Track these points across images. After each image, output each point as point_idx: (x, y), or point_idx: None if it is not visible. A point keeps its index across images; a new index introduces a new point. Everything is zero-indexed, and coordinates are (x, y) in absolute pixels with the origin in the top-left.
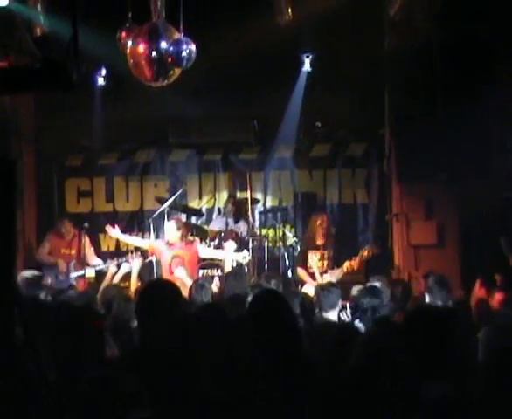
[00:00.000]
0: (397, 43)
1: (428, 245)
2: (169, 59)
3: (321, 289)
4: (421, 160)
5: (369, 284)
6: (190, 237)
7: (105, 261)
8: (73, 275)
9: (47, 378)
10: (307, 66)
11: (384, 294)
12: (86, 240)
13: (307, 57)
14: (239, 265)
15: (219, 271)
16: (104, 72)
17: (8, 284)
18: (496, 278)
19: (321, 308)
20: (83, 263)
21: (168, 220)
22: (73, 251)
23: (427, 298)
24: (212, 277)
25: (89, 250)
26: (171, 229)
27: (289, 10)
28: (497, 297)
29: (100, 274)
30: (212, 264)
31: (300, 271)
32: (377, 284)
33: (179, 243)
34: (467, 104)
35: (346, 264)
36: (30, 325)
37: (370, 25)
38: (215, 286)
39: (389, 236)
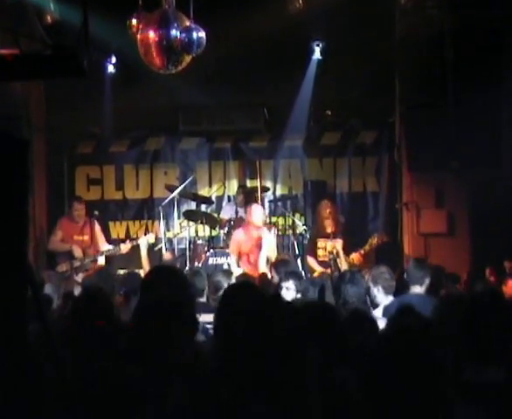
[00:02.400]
0: (407, 30)
1: (438, 234)
2: (180, 46)
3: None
4: (432, 148)
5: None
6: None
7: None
8: (88, 260)
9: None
10: (317, 54)
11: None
12: (97, 227)
13: (318, 45)
14: None
15: (229, 258)
16: (114, 59)
17: (21, 267)
18: (506, 265)
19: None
20: (96, 248)
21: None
22: (86, 237)
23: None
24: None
25: (100, 237)
26: (259, 212)
27: None
28: (510, 284)
29: (111, 257)
30: (223, 252)
31: (310, 260)
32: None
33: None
34: (478, 92)
35: (352, 257)
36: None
37: (380, 13)
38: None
39: (399, 224)
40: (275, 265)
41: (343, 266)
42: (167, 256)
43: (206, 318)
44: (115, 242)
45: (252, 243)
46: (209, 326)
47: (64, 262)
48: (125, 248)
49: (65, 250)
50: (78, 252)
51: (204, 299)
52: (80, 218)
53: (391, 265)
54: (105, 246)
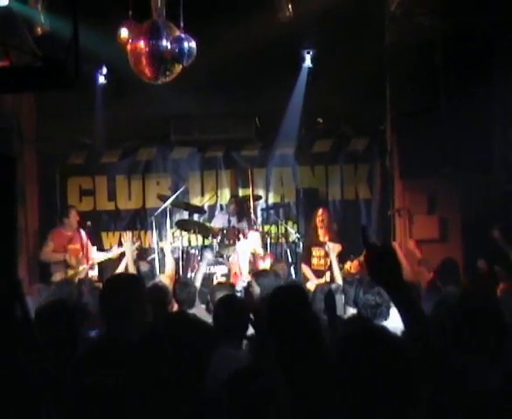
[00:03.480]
0: (397, 38)
1: (431, 240)
2: (170, 57)
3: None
4: (423, 155)
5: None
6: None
7: None
8: (81, 268)
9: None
10: (308, 62)
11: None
12: (85, 237)
13: (308, 53)
14: None
15: (223, 267)
16: (105, 70)
17: (9, 278)
18: (496, 270)
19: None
20: (87, 257)
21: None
22: (78, 246)
23: None
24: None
25: (89, 246)
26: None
27: (290, 6)
28: (502, 287)
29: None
30: (217, 261)
31: (304, 268)
32: None
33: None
34: (469, 98)
35: (346, 266)
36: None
37: (370, 20)
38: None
39: (391, 231)
40: (256, 275)
41: (336, 275)
42: (143, 265)
43: None
44: (108, 252)
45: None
46: None
47: (58, 271)
48: (115, 253)
49: (58, 259)
50: (72, 260)
51: (193, 311)
52: (72, 227)
53: None
54: (95, 254)
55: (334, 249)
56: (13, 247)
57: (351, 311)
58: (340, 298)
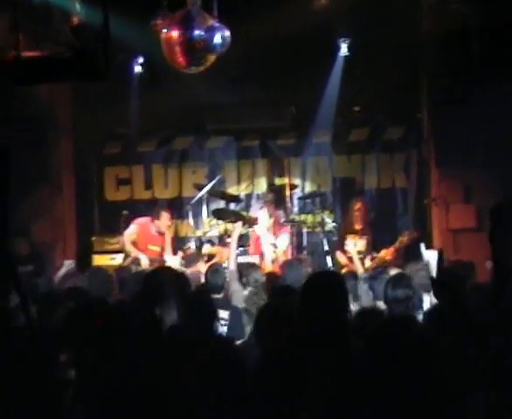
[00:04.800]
0: (434, 26)
1: (467, 229)
2: (203, 46)
3: (372, 278)
4: (459, 143)
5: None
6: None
7: None
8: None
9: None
10: (344, 50)
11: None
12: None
13: (344, 41)
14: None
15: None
16: (141, 60)
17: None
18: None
19: (375, 297)
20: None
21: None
22: (159, 249)
23: None
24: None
25: (168, 248)
26: (264, 216)
27: None
28: None
29: None
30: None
31: (340, 256)
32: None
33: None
34: (506, 87)
35: (381, 254)
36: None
37: (406, 8)
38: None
39: (427, 220)
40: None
41: (359, 269)
42: (180, 255)
43: (223, 314)
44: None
45: None
46: (223, 322)
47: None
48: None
49: (129, 251)
50: (145, 263)
51: (220, 296)
52: (160, 229)
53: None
54: (169, 257)
55: (355, 243)
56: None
57: (381, 305)
58: (365, 288)
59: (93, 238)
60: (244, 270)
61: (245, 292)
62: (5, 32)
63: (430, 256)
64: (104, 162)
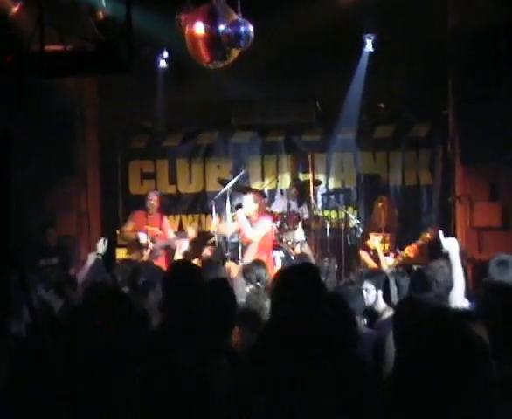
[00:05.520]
0: (460, 22)
1: (492, 228)
2: (227, 41)
3: (399, 274)
4: (485, 141)
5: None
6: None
7: None
8: (158, 245)
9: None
10: (369, 47)
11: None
12: (166, 221)
13: (369, 37)
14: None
15: (281, 252)
16: (166, 54)
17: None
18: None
19: (402, 293)
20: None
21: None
22: (156, 229)
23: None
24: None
25: (169, 230)
26: (249, 201)
27: None
28: None
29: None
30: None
31: (363, 254)
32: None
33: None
34: None
35: (405, 251)
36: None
37: (433, 4)
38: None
39: (452, 218)
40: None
41: (383, 265)
42: (206, 252)
43: None
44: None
45: None
46: None
47: (134, 251)
48: (192, 233)
49: (132, 238)
50: (143, 238)
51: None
52: (153, 209)
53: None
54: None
55: (373, 243)
56: (7, 218)
57: None
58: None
59: (118, 232)
60: (248, 266)
61: (247, 289)
62: (31, 26)
63: (449, 244)
64: (129, 156)
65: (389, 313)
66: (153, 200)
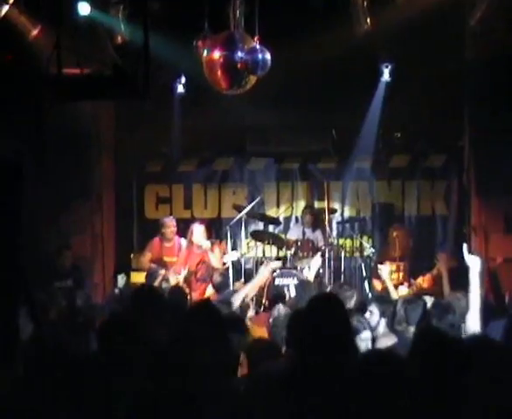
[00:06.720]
0: (477, 53)
1: (507, 259)
2: (244, 67)
3: (407, 302)
4: (501, 173)
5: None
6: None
7: None
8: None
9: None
10: (386, 76)
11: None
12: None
13: (387, 66)
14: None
15: (295, 279)
16: (183, 80)
17: (13, 273)
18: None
19: (408, 322)
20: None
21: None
22: (174, 259)
23: None
24: (288, 285)
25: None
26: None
27: (367, 20)
28: None
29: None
30: (289, 272)
31: (376, 283)
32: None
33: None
34: None
35: (418, 281)
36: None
37: (450, 35)
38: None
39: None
40: None
41: (392, 295)
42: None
43: None
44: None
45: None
46: None
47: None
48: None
49: (148, 268)
50: (173, 278)
51: None
52: (171, 237)
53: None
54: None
55: (390, 270)
56: (16, 244)
57: (411, 330)
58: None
59: (132, 255)
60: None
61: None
62: (50, 49)
63: (472, 261)
64: (145, 180)
65: (387, 342)
66: (169, 227)
